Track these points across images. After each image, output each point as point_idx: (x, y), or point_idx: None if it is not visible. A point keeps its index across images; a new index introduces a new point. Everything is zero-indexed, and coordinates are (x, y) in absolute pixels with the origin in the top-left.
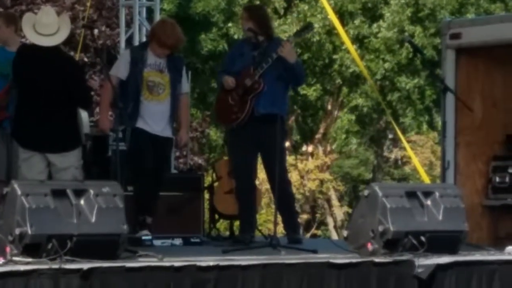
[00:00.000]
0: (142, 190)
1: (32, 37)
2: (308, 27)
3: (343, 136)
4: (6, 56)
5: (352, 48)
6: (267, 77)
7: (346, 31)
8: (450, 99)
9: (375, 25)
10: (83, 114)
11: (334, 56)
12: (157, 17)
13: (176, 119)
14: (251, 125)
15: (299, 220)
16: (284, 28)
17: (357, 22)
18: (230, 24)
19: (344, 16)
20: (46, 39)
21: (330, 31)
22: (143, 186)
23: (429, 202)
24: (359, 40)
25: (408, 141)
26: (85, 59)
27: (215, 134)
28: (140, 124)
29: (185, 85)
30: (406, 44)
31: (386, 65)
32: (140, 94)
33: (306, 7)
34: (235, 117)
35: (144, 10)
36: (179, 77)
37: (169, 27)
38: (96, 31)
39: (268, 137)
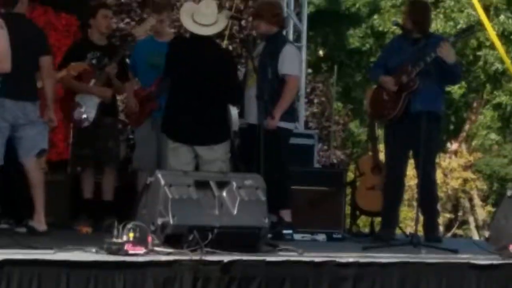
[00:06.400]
0: None
1: (189, 26)
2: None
3: (484, 132)
4: (157, 47)
5: (499, 44)
6: (423, 75)
7: (492, 27)
8: None
9: None
10: (233, 111)
11: (478, 53)
12: (305, 10)
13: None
14: (405, 121)
15: (440, 218)
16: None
17: (502, 18)
18: (375, 17)
19: (489, 11)
20: (202, 28)
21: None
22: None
23: None
24: (504, 36)
25: None
26: (231, 49)
27: (357, 129)
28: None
29: (285, 67)
30: None
31: None
32: None
33: (452, 3)
34: (387, 113)
35: (292, 1)
36: (270, 60)
37: None
38: (243, 22)
39: (422, 134)
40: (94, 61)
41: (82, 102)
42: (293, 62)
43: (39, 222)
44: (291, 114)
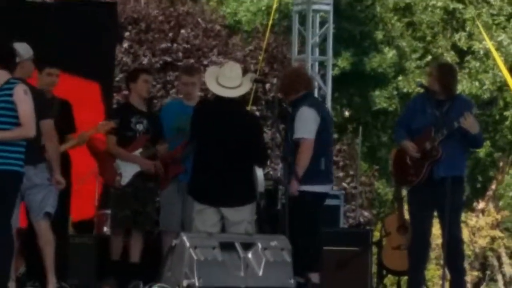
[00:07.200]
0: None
1: (214, 88)
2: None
3: (511, 193)
4: (185, 110)
5: None
6: (446, 140)
7: None
8: None
9: None
10: (259, 173)
11: (505, 113)
12: (330, 73)
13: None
14: (429, 185)
15: (469, 277)
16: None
17: None
18: (400, 78)
19: None
20: (227, 90)
21: (501, 88)
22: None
23: None
24: None
25: None
26: (256, 112)
27: (384, 189)
28: None
29: (297, 131)
30: None
31: None
32: None
33: (477, 64)
34: (411, 179)
35: (317, 64)
36: (291, 123)
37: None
38: (267, 85)
39: (447, 200)
40: (138, 126)
41: (121, 166)
42: (305, 125)
43: (47, 284)
44: (315, 176)
